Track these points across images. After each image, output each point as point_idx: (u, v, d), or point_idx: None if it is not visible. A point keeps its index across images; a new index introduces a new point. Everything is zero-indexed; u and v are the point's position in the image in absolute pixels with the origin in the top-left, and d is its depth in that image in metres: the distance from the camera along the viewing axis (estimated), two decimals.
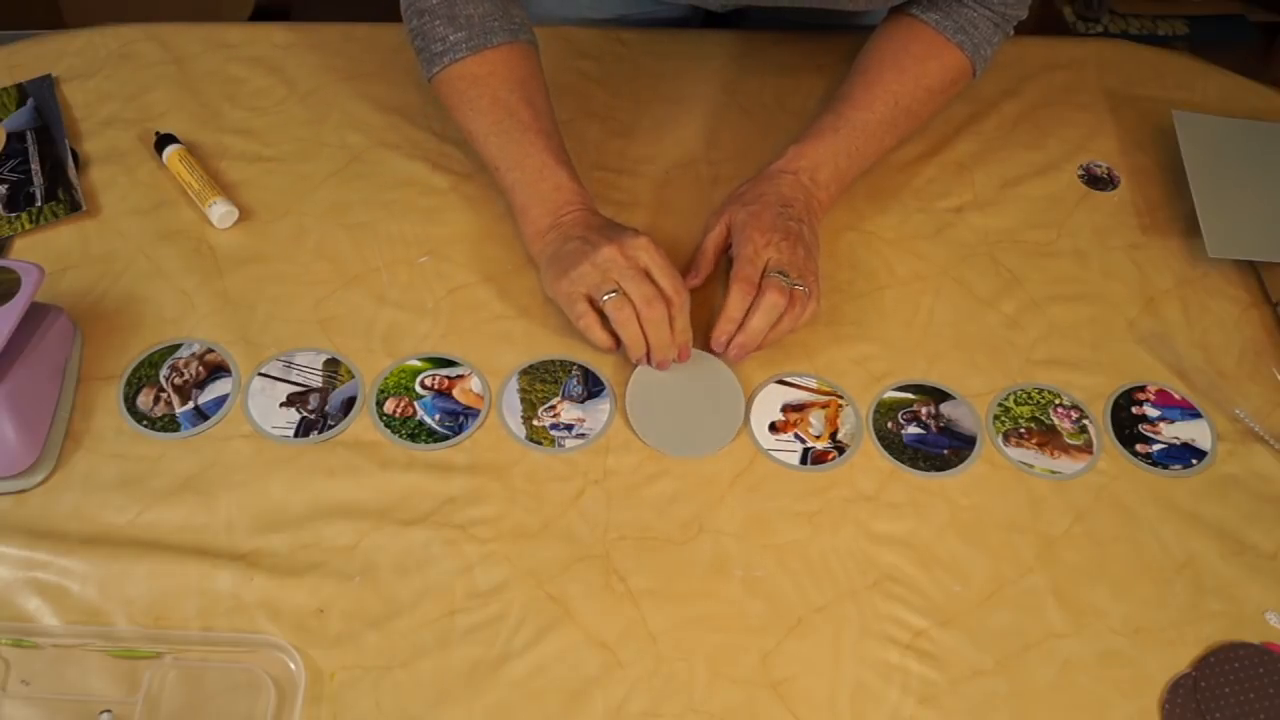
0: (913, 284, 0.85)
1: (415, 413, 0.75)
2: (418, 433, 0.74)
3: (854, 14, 1.02)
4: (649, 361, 0.76)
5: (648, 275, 0.73)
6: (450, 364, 0.78)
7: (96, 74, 0.97)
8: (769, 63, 1.01)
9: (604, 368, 0.78)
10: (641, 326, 0.74)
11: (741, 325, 0.75)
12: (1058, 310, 0.83)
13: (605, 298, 0.73)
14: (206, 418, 0.74)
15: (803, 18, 1.03)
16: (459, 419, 0.75)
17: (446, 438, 0.74)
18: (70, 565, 0.67)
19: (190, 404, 0.75)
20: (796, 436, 0.75)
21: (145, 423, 0.74)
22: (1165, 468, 0.75)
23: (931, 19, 0.85)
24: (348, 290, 0.82)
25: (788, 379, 0.78)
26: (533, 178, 0.79)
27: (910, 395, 0.78)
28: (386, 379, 0.77)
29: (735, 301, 0.75)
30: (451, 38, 0.81)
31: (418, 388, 0.77)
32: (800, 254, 0.77)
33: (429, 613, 0.66)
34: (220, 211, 0.85)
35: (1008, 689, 0.64)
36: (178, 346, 0.78)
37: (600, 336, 0.76)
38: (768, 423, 0.76)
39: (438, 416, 0.75)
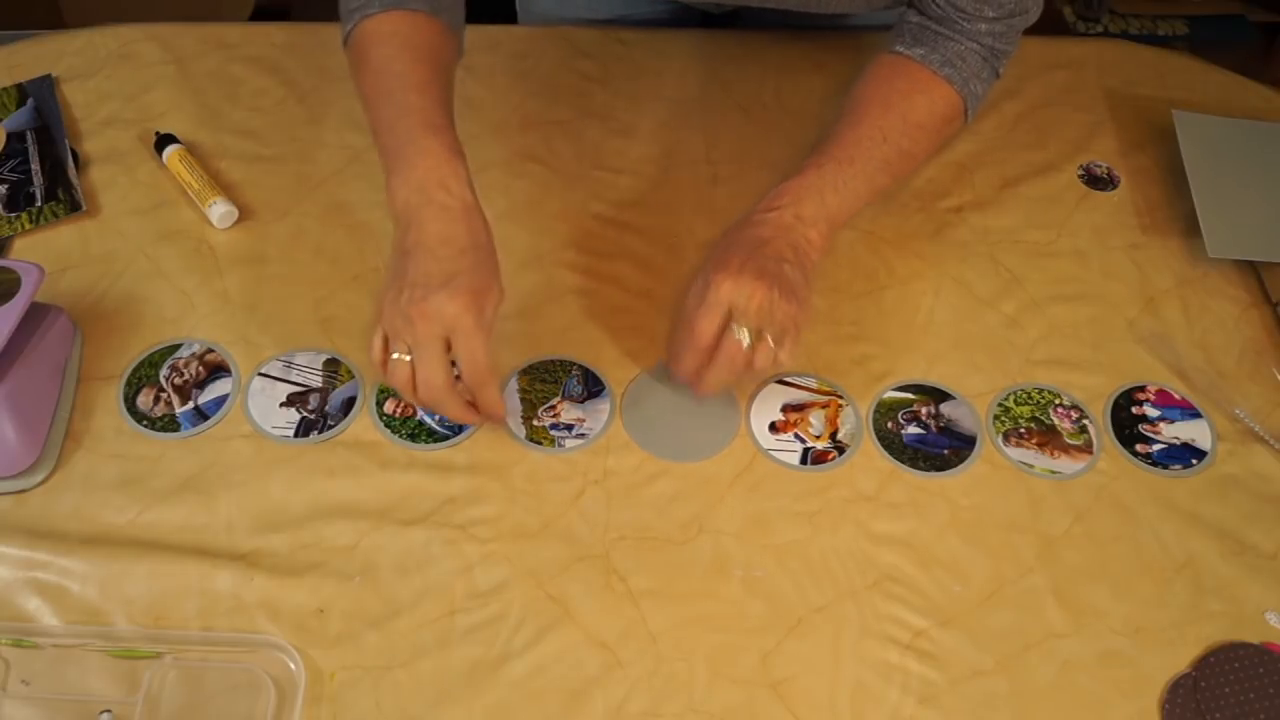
0: (913, 284, 0.85)
1: (415, 413, 0.75)
2: (418, 433, 0.74)
3: (842, 16, 1.00)
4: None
5: (448, 348, 0.68)
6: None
7: (96, 74, 0.97)
8: (769, 63, 1.01)
9: (604, 368, 0.78)
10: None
11: (701, 377, 0.72)
12: (1058, 310, 0.83)
13: (393, 355, 0.68)
14: (206, 418, 0.74)
15: (794, 20, 1.02)
16: None
17: (446, 438, 0.74)
18: (70, 565, 0.67)
19: (190, 404, 0.75)
20: (796, 436, 0.75)
21: (145, 423, 0.74)
22: (1165, 468, 0.75)
23: (917, 54, 0.82)
24: (348, 290, 0.82)
25: (788, 379, 0.78)
26: (400, 144, 0.72)
27: (910, 395, 0.78)
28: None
29: (683, 361, 0.72)
30: None
31: None
32: (773, 293, 0.71)
33: (429, 613, 0.66)
34: (220, 211, 0.85)
35: (1008, 689, 0.64)
36: (178, 346, 0.78)
37: (383, 377, 0.70)
38: (768, 423, 0.76)
39: (438, 417, 0.75)
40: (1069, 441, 0.76)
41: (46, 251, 0.83)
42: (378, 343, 0.69)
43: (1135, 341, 0.82)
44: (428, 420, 0.75)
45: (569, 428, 0.75)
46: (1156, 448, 0.76)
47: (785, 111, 0.97)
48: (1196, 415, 0.78)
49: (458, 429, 0.74)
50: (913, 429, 0.76)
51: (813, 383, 0.78)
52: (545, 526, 0.70)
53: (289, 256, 0.84)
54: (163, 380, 0.76)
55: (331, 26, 1.01)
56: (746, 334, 0.70)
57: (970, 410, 0.77)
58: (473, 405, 0.70)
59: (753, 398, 0.77)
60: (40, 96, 0.94)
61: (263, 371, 0.77)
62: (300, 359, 0.78)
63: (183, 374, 0.77)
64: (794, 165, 0.78)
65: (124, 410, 0.75)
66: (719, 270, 0.72)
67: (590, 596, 0.67)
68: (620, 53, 1.01)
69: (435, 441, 0.74)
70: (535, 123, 0.95)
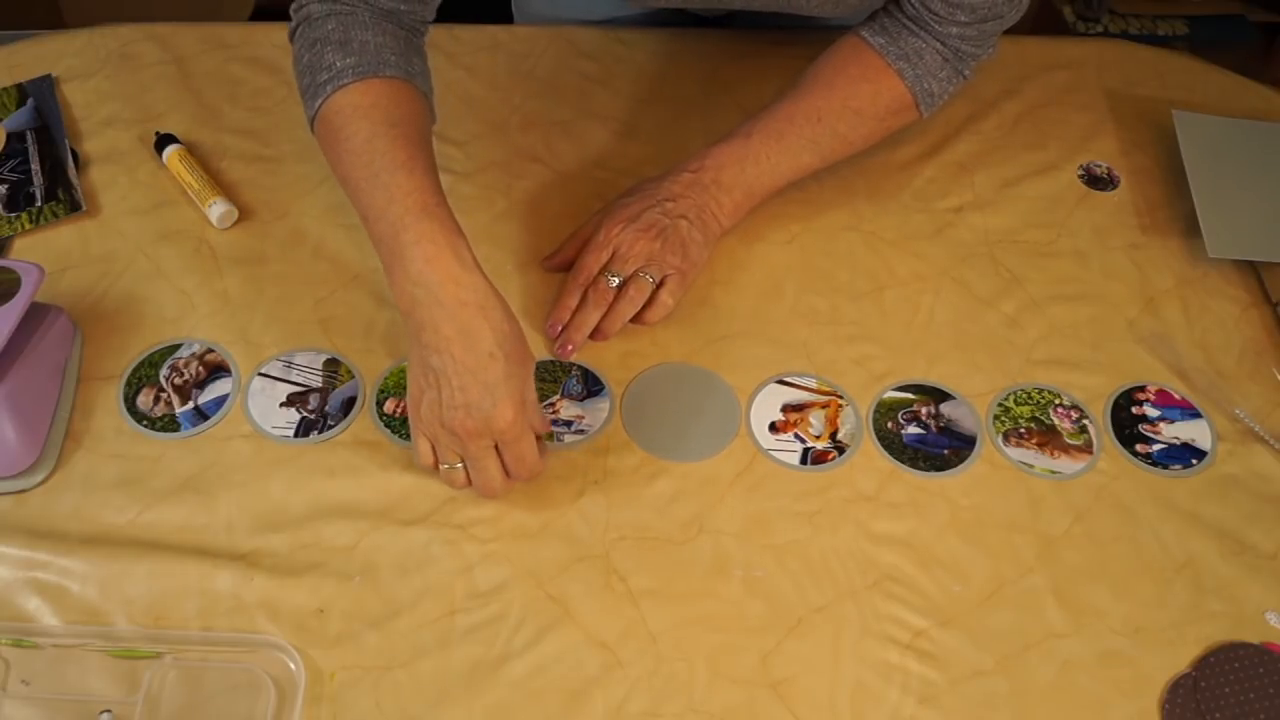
0: (913, 284, 0.85)
1: None
2: None
3: (836, 19, 1.01)
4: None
5: (496, 451, 0.67)
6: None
7: (96, 74, 0.97)
8: (769, 63, 1.01)
9: (604, 368, 0.78)
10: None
11: (572, 320, 0.78)
12: (1058, 310, 0.83)
13: (444, 466, 0.68)
14: (206, 418, 0.74)
15: (786, 22, 1.02)
16: None
17: None
18: (70, 565, 0.67)
19: (190, 404, 0.75)
20: (796, 436, 0.75)
21: (145, 423, 0.74)
22: (1165, 468, 0.75)
23: (877, 42, 0.82)
24: (348, 290, 0.82)
25: (788, 379, 0.78)
26: (394, 233, 0.66)
27: (910, 395, 0.78)
28: (386, 379, 0.77)
29: (565, 291, 0.78)
30: (339, 64, 0.71)
31: None
32: (657, 246, 0.77)
33: (429, 613, 0.66)
34: (220, 211, 0.85)
35: (1008, 689, 0.64)
36: (178, 346, 0.78)
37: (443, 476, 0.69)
38: (768, 423, 0.76)
39: None
40: (1069, 441, 0.76)
41: (46, 251, 0.83)
42: (425, 449, 0.68)
43: (1135, 341, 0.82)
44: None
45: (568, 424, 0.75)
46: (1156, 448, 0.76)
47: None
48: (1196, 415, 0.78)
49: None
50: (913, 429, 0.76)
51: (813, 382, 0.78)
52: (545, 526, 0.70)
53: (289, 256, 0.84)
54: (163, 380, 0.76)
55: None
56: (617, 280, 0.77)
57: (970, 410, 0.77)
58: None
59: (752, 398, 0.77)
60: (40, 96, 0.94)
61: (263, 371, 0.77)
62: (300, 359, 0.78)
63: (183, 374, 0.77)
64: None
65: (124, 410, 0.75)
66: (614, 215, 0.79)
67: (590, 596, 0.67)
68: (621, 53, 1.01)
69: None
70: (535, 123, 0.95)
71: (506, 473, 0.67)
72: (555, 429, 0.75)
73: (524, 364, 0.66)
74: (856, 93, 0.82)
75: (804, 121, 0.82)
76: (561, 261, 0.82)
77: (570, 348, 0.77)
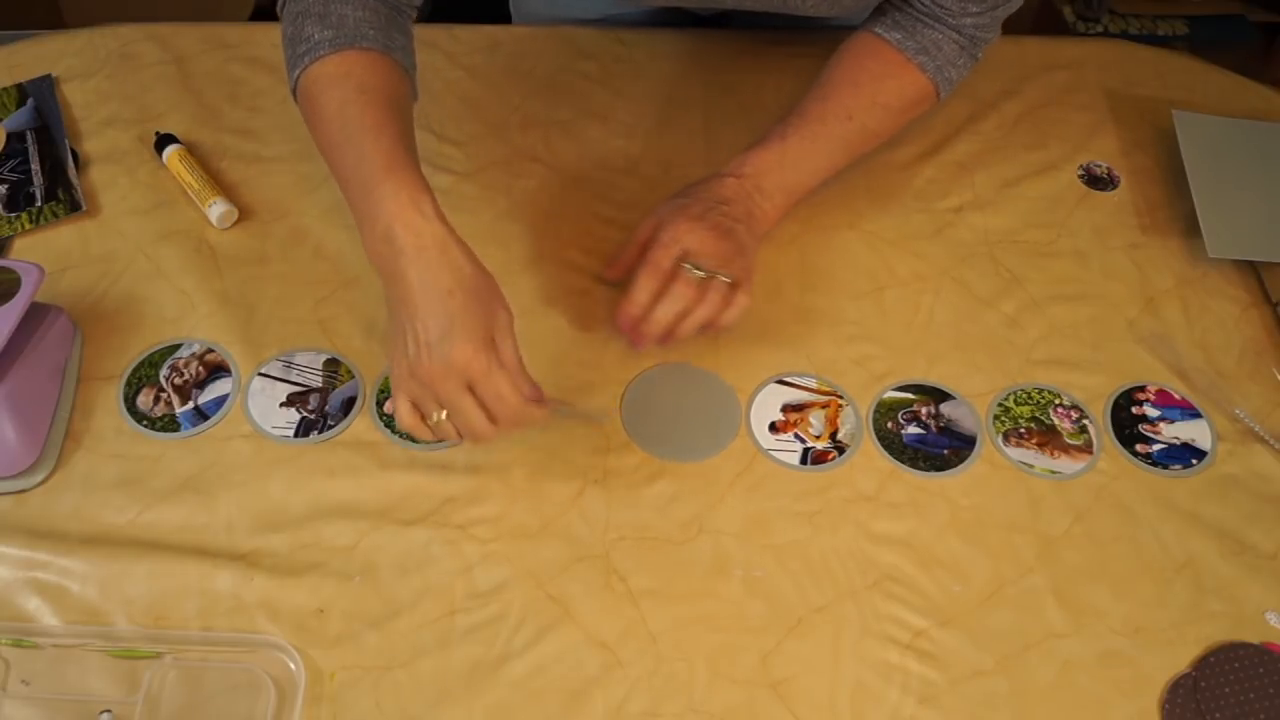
0: (913, 284, 0.85)
1: None
2: None
3: (835, 18, 1.01)
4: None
5: (471, 391, 0.65)
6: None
7: (96, 74, 0.97)
8: (769, 63, 1.01)
9: (604, 368, 0.78)
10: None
11: (648, 313, 0.74)
12: (1058, 310, 0.83)
13: (430, 419, 0.67)
14: (206, 418, 0.74)
15: (781, 22, 1.02)
16: None
17: None
18: (70, 565, 0.67)
19: (190, 404, 0.75)
20: (796, 436, 0.75)
21: (145, 423, 0.74)
22: (1165, 468, 0.75)
23: (894, 38, 0.83)
24: (348, 290, 0.82)
25: (788, 379, 0.78)
26: (363, 194, 0.68)
27: (910, 395, 0.78)
28: (386, 379, 0.77)
29: (639, 285, 0.74)
30: (317, 36, 0.73)
31: None
32: (727, 247, 0.75)
33: (429, 613, 0.66)
34: (220, 211, 0.85)
35: (1008, 689, 0.64)
36: (178, 346, 0.78)
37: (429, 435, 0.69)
38: (768, 423, 0.76)
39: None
40: (1069, 441, 0.76)
41: (46, 251, 0.83)
42: (405, 408, 0.67)
43: (1135, 341, 0.82)
44: None
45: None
46: (1156, 448, 0.76)
47: (786, 112, 0.97)
48: (1196, 415, 0.78)
49: None
50: (913, 429, 0.76)
51: (813, 382, 0.78)
52: (545, 526, 0.70)
53: (289, 256, 0.84)
54: (163, 380, 0.76)
55: None
56: (700, 272, 0.73)
57: (970, 410, 0.77)
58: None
59: (752, 398, 0.77)
60: (40, 96, 0.94)
61: (263, 371, 0.77)
62: (300, 359, 0.78)
63: (183, 374, 0.77)
64: None
65: (124, 410, 0.75)
66: (678, 214, 0.76)
67: (590, 596, 0.67)
68: (620, 53, 1.01)
69: (435, 441, 0.74)
70: (535, 123, 0.95)
71: (492, 419, 0.66)
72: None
73: (487, 303, 0.66)
74: (883, 89, 0.83)
75: (835, 121, 0.83)
76: (624, 267, 0.79)
77: (646, 341, 0.75)
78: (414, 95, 0.77)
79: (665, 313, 0.73)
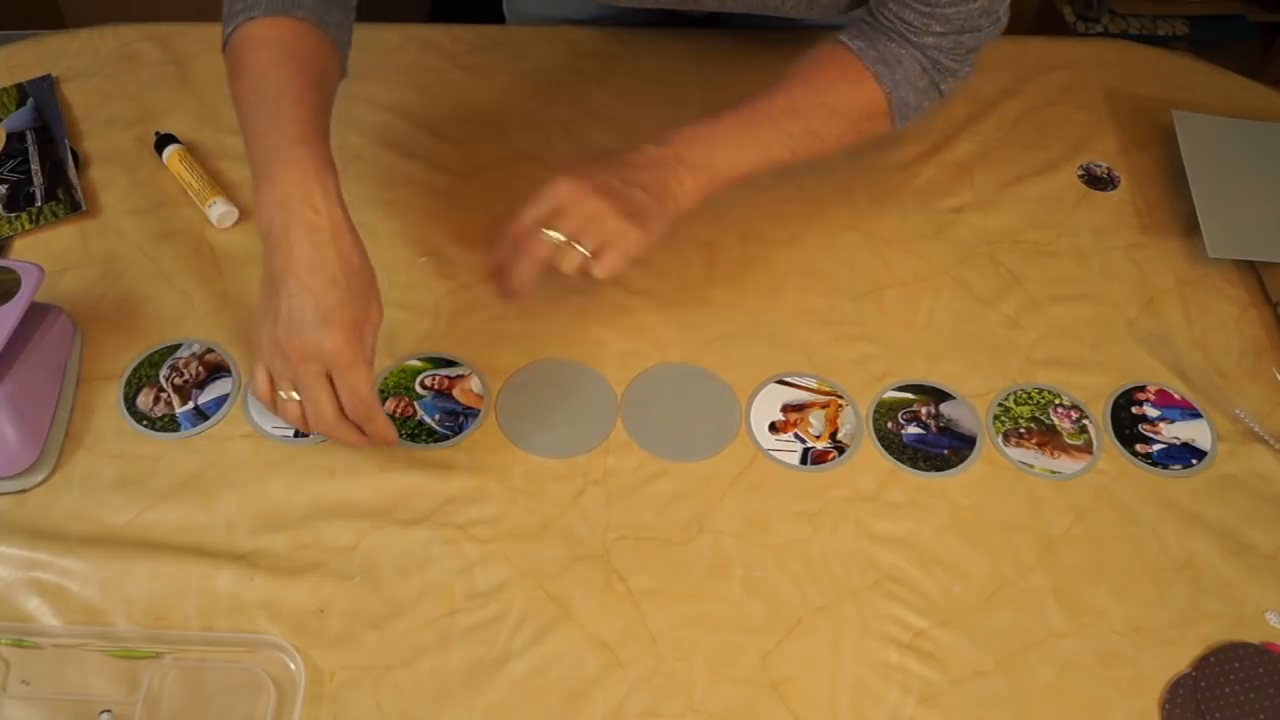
0: (913, 284, 0.85)
1: (415, 413, 0.75)
2: (418, 433, 0.74)
3: (817, 21, 1.00)
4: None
5: (330, 381, 0.66)
6: (450, 364, 0.78)
7: (96, 74, 0.97)
8: (768, 63, 1.00)
9: (604, 368, 0.78)
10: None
11: (505, 268, 0.74)
12: (1058, 310, 0.83)
13: (281, 395, 0.67)
14: (206, 418, 0.74)
15: (772, 24, 1.02)
16: (459, 419, 0.75)
17: (446, 438, 0.74)
18: (70, 565, 0.67)
19: (190, 404, 0.75)
20: (796, 436, 0.75)
21: (145, 423, 0.74)
22: (1165, 468, 0.75)
23: (856, 46, 0.82)
24: None
25: (788, 379, 0.78)
26: (268, 156, 0.68)
27: (910, 395, 0.78)
28: (386, 379, 0.77)
29: (500, 242, 0.74)
30: None
31: (418, 388, 0.77)
32: (606, 209, 0.72)
33: (429, 613, 0.66)
34: (220, 211, 0.85)
35: (1008, 689, 0.64)
36: (178, 346, 0.78)
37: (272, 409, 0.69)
38: (768, 422, 0.76)
39: (438, 416, 0.75)
40: (1069, 441, 0.76)
41: (46, 251, 0.83)
42: (261, 378, 0.67)
43: (1135, 341, 0.82)
44: (428, 420, 0.75)
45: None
46: (1156, 448, 0.76)
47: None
48: (1196, 415, 0.78)
49: (458, 429, 0.74)
50: (913, 429, 0.76)
51: (813, 382, 0.78)
52: (545, 526, 0.70)
53: None
54: (163, 380, 0.76)
55: None
56: (557, 235, 0.72)
57: (970, 410, 0.77)
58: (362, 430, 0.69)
59: (752, 398, 0.77)
60: (40, 96, 0.94)
61: None
62: None
63: (183, 374, 0.77)
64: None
65: (124, 410, 0.75)
66: (568, 172, 0.74)
67: (590, 596, 0.67)
68: (620, 53, 1.01)
69: (435, 441, 0.74)
70: (535, 123, 0.95)
71: (342, 411, 0.67)
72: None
73: (365, 298, 0.67)
74: (834, 91, 0.82)
75: (779, 114, 0.81)
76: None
77: (510, 296, 0.75)
78: (343, 73, 0.78)
79: (519, 272, 0.73)
